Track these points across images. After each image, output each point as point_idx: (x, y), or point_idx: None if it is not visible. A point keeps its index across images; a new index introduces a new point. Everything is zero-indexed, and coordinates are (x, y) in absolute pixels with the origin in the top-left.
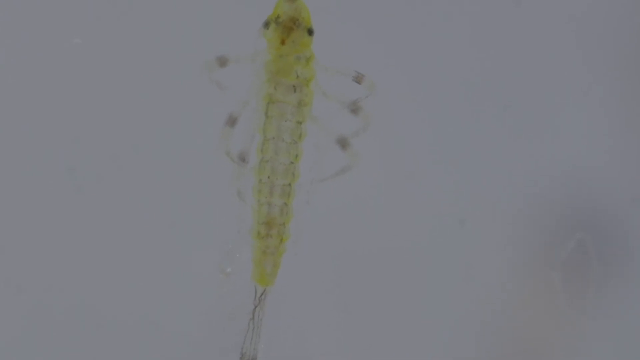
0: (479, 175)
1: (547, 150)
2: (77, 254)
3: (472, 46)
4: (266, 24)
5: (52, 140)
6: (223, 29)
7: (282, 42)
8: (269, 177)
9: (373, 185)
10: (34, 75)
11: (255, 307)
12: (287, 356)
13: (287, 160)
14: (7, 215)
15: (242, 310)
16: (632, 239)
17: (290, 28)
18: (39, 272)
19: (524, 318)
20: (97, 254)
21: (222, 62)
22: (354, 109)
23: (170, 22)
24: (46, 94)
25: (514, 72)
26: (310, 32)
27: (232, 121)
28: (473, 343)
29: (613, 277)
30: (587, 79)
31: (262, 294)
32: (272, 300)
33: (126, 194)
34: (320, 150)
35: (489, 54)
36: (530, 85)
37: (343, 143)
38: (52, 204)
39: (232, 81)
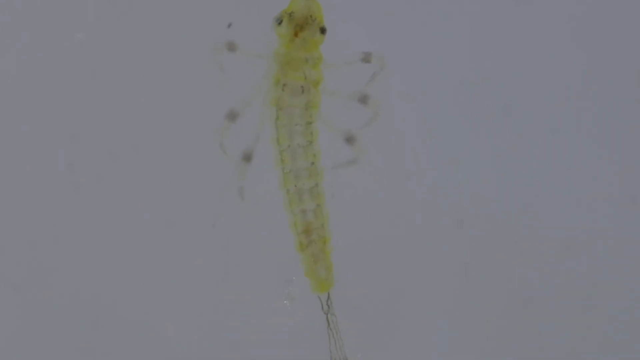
0: (478, 176)
1: (546, 151)
2: (76, 253)
3: (472, 46)
4: (278, 20)
5: (51, 137)
6: (225, 27)
7: (295, 34)
8: (295, 185)
9: (372, 185)
10: (33, 72)
11: (327, 314)
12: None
13: (307, 163)
14: (5, 213)
15: (315, 322)
16: (630, 239)
17: (303, 24)
18: (36, 270)
19: (524, 319)
20: (96, 252)
21: (231, 47)
22: (363, 98)
23: (171, 20)
24: (45, 90)
25: (513, 72)
26: (322, 30)
27: (232, 116)
28: (473, 344)
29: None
30: (587, 79)
31: (327, 300)
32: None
33: (125, 191)
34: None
35: (488, 54)
36: (529, 86)
37: (350, 139)
38: (51, 201)
39: (239, 77)
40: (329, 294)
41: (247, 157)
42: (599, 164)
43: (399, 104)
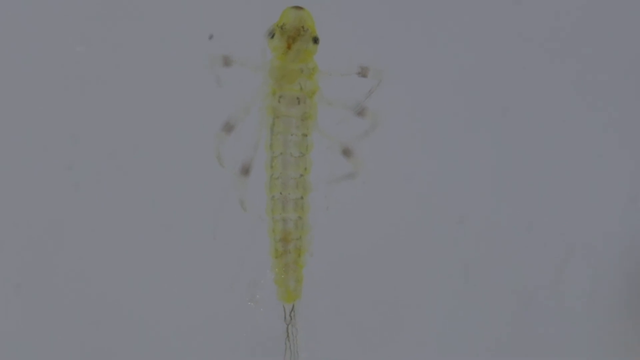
0: (479, 177)
1: (546, 152)
2: (76, 254)
3: (471, 47)
4: (271, 33)
5: (52, 139)
6: (225, 36)
7: (289, 47)
8: (281, 193)
9: (373, 186)
10: (34, 75)
11: (288, 325)
12: None
13: (296, 174)
14: (7, 214)
15: (275, 332)
16: (632, 240)
17: (295, 36)
18: (37, 271)
19: (524, 320)
20: (96, 253)
21: (227, 61)
22: (361, 111)
23: (170, 30)
24: (46, 93)
25: (513, 74)
26: (315, 40)
27: (228, 128)
28: (473, 344)
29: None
30: (587, 80)
31: (291, 311)
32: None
33: (124, 192)
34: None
35: (488, 55)
36: (528, 88)
37: (347, 153)
38: (51, 203)
39: (236, 87)
40: (293, 305)
41: (246, 170)
42: (600, 164)
43: (399, 104)
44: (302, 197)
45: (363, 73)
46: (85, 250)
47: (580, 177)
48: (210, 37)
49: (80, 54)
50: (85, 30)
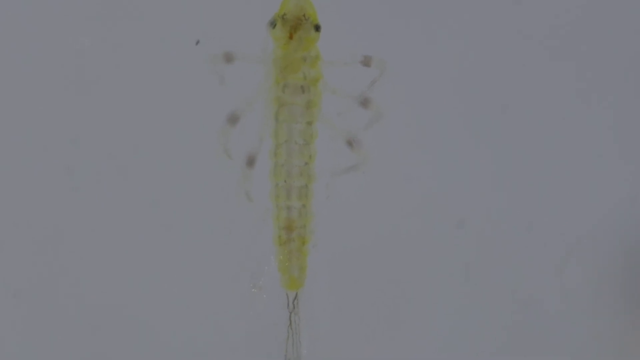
0: (479, 176)
1: (547, 151)
2: (76, 258)
3: (471, 45)
4: (272, 23)
5: (50, 140)
6: (228, 32)
7: (290, 37)
8: (285, 181)
9: (373, 186)
10: (34, 77)
11: (291, 312)
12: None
13: (301, 162)
14: (4, 218)
15: (278, 319)
16: (628, 237)
17: (297, 25)
18: (36, 276)
19: (523, 319)
20: (95, 257)
21: (228, 58)
22: (364, 102)
23: (172, 25)
24: (45, 94)
25: (512, 72)
26: (317, 28)
27: (233, 120)
28: (473, 345)
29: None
30: (587, 79)
31: (294, 299)
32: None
33: (124, 194)
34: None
35: (488, 53)
36: (529, 86)
37: (352, 143)
38: (50, 204)
39: (238, 82)
40: (296, 293)
41: (251, 162)
42: (600, 164)
43: (398, 102)
44: (306, 186)
45: (366, 62)
46: (85, 256)
47: (580, 177)
48: (197, 42)
49: (80, 53)
50: (85, 30)
